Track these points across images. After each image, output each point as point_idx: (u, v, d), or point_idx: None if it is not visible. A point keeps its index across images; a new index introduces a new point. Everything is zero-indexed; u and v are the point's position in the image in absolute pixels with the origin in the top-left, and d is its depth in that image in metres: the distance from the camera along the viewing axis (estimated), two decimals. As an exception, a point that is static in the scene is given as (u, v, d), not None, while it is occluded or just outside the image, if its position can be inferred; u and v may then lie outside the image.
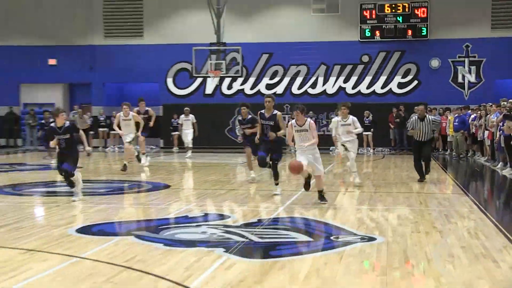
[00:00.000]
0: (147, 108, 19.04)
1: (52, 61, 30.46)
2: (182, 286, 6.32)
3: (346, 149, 14.92)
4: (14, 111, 29.62)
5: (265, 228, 9.61)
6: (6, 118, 29.24)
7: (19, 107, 30.38)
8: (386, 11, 28.93)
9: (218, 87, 29.78)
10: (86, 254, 7.69)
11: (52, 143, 12.05)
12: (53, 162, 19.74)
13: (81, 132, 12.30)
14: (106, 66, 30.25)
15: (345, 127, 14.62)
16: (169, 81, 30.28)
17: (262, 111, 13.09)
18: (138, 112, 18.71)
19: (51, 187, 15.61)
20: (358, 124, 14.71)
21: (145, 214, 11.13)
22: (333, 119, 17.45)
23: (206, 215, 10.96)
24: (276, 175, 13.13)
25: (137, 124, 17.86)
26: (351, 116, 14.64)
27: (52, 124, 11.79)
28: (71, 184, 12.11)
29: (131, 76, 30.18)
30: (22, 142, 30.64)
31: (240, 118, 15.79)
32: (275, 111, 12.92)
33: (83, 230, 9.39)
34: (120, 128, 17.97)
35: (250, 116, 15.23)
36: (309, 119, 11.58)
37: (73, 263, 7.33)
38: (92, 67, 30.40)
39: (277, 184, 13.14)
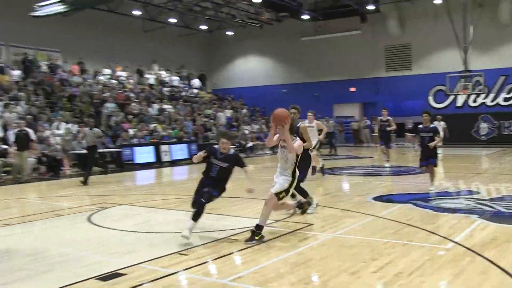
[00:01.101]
0: (388, 117, 15.49)
1: (352, 89, 30.80)
2: (447, 239, 5.95)
3: None
4: (330, 122, 30.49)
5: (509, 202, 8.58)
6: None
7: (333, 118, 31.23)
8: None
9: (466, 101, 27.36)
10: (380, 214, 7.65)
11: (196, 158, 6.32)
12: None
13: (249, 168, 6.37)
14: (386, 90, 29.57)
15: None
16: (430, 98, 28.55)
17: None
18: (381, 120, 15.75)
19: (352, 170, 15.72)
20: None
21: (418, 189, 10.65)
22: None
23: (460, 191, 10.15)
24: (302, 193, 7.66)
25: (319, 131, 11.90)
26: None
27: (216, 146, 6.40)
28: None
29: (403, 95, 29.13)
30: (335, 142, 31.33)
31: (421, 126, 10.25)
32: (300, 123, 7.71)
33: (376, 198, 9.33)
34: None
35: (432, 125, 10.31)
36: (297, 140, 6.24)
37: (371, 220, 7.34)
38: (377, 91, 30.05)
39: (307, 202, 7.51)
